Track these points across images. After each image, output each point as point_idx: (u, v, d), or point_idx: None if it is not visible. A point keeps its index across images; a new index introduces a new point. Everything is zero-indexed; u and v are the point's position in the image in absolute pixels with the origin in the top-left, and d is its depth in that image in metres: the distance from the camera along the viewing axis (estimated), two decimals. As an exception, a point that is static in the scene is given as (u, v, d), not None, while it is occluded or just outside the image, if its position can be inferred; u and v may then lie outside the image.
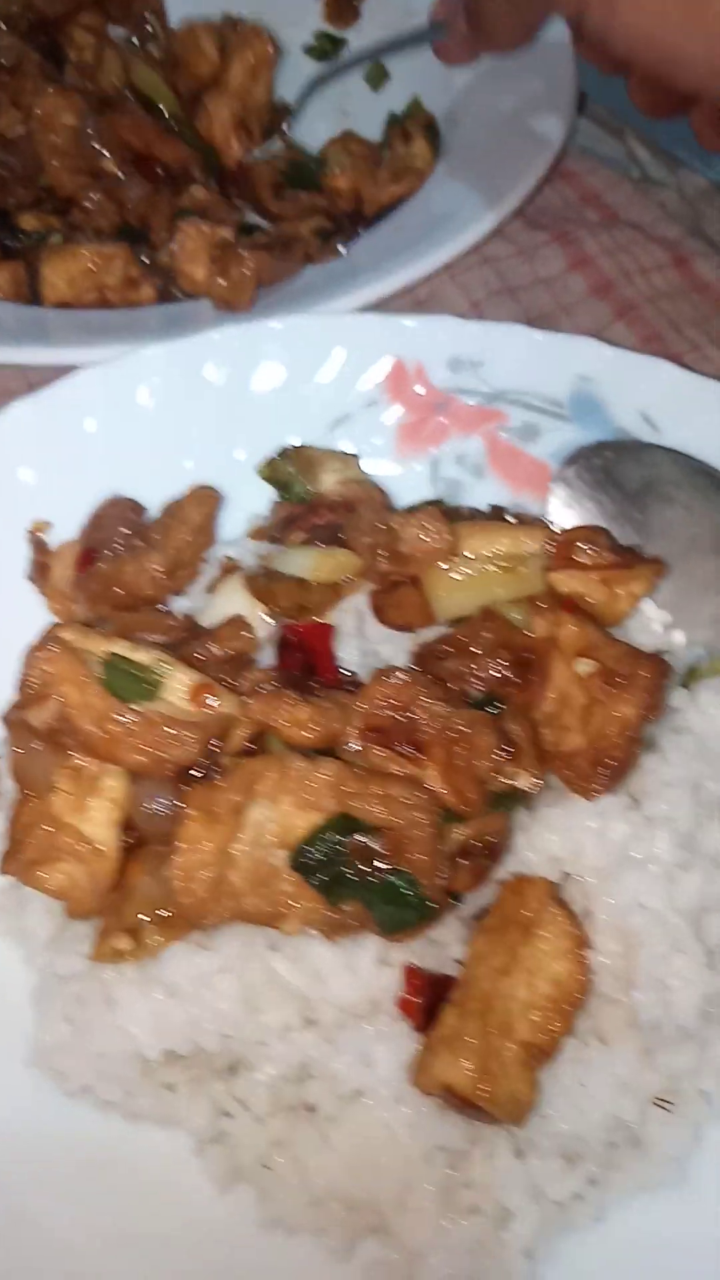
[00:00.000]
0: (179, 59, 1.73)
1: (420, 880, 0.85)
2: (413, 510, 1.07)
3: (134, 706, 0.89)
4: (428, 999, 0.88)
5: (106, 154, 1.48)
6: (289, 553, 1.07)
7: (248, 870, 0.87)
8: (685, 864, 0.91)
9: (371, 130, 1.78)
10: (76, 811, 0.89)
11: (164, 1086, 0.92)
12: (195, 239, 1.43)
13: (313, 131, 1.80)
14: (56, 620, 1.14)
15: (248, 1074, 0.90)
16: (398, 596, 1.05)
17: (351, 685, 1.02)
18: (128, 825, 0.91)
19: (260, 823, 0.87)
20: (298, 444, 1.22)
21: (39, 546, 1.16)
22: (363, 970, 0.89)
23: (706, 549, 1.22)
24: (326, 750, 0.93)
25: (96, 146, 1.47)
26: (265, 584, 1.06)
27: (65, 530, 1.19)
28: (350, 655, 1.05)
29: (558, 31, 1.75)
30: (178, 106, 1.67)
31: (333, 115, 1.85)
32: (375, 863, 0.86)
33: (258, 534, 1.18)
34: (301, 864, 0.87)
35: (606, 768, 0.93)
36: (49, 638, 0.91)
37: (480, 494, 1.31)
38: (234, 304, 1.38)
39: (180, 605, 1.13)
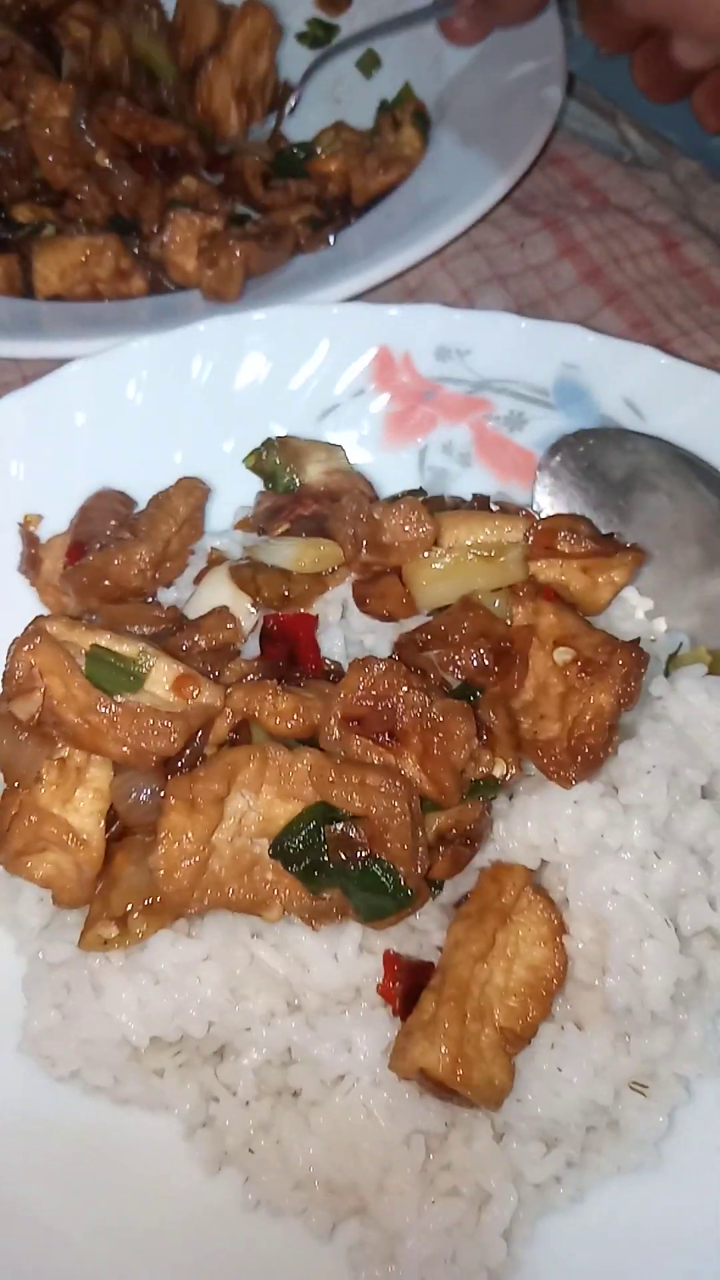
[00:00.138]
0: (179, 29, 1.73)
1: (399, 868, 0.87)
2: (395, 500, 1.08)
3: (117, 698, 0.90)
4: (407, 985, 0.90)
5: (98, 148, 1.49)
6: (273, 544, 1.08)
7: (230, 859, 0.88)
8: (660, 851, 0.93)
9: (363, 118, 1.79)
10: (62, 802, 0.91)
11: (153, 1072, 0.94)
12: (185, 230, 1.44)
13: (305, 120, 1.81)
14: (47, 612, 1.16)
15: (234, 1059, 0.92)
16: (380, 587, 1.06)
17: (335, 675, 1.04)
18: (113, 815, 0.93)
19: (242, 812, 0.89)
20: (283, 435, 1.23)
21: (30, 539, 1.18)
22: (345, 957, 0.91)
23: (689, 537, 1.23)
24: (308, 740, 0.94)
25: (89, 141, 1.47)
26: (250, 575, 1.07)
27: (56, 523, 1.20)
28: (334, 645, 1.06)
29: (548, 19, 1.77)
30: (177, 77, 1.67)
31: (325, 104, 1.85)
32: (355, 851, 0.87)
33: (244, 525, 1.19)
34: (282, 852, 0.88)
35: (583, 756, 0.94)
36: (33, 630, 0.92)
37: (467, 482, 1.32)
38: (222, 294, 1.39)
39: (168, 597, 1.14)
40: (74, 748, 0.91)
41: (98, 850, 0.91)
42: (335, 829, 0.87)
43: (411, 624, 1.06)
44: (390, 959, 0.92)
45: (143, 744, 0.89)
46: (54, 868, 0.90)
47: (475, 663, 0.99)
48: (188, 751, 0.93)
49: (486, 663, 0.99)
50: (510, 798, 0.98)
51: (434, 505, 1.16)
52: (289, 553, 1.06)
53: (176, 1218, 0.91)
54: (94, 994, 0.91)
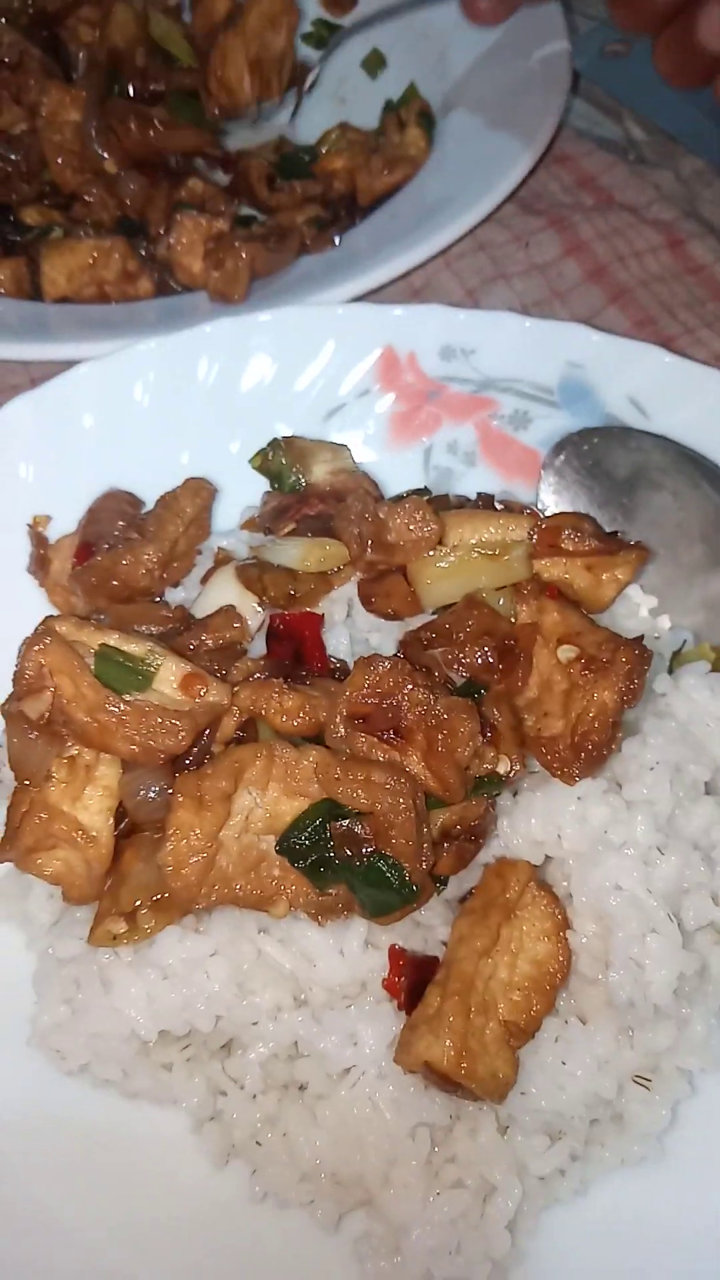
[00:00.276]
0: (194, 4, 1.74)
1: (403, 864, 0.88)
2: (400, 500, 1.09)
3: (126, 697, 0.91)
4: (412, 980, 0.91)
5: (106, 154, 1.50)
6: (279, 544, 1.09)
7: (237, 855, 0.90)
8: (663, 847, 0.93)
9: (369, 118, 1.79)
10: (72, 800, 0.92)
11: (161, 1066, 0.95)
12: (192, 232, 1.45)
13: (310, 121, 1.82)
14: (56, 612, 1.17)
15: (241, 1053, 0.93)
16: (385, 585, 1.07)
17: (340, 673, 1.05)
18: (122, 812, 0.94)
19: (249, 808, 0.90)
20: (289, 435, 1.24)
21: (39, 540, 1.19)
22: (350, 952, 0.92)
23: (693, 535, 1.24)
24: (314, 737, 0.95)
25: (98, 148, 1.49)
26: (256, 574, 1.08)
27: (64, 523, 1.22)
28: (340, 643, 1.07)
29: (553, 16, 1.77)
30: (194, 58, 1.68)
31: (330, 103, 1.86)
32: (360, 847, 0.88)
33: (250, 525, 1.20)
34: (288, 848, 0.89)
35: (587, 753, 0.95)
36: (43, 630, 0.94)
37: (472, 481, 1.33)
38: (228, 295, 1.40)
39: (175, 596, 1.16)
40: (83, 746, 0.93)
41: (107, 847, 0.92)
42: (341, 825, 0.88)
43: (416, 622, 1.07)
44: (395, 954, 0.93)
45: (151, 742, 0.90)
46: (64, 865, 0.91)
47: (479, 660, 1.00)
48: (195, 749, 0.94)
49: (491, 660, 1.00)
50: (514, 794, 0.99)
51: (439, 504, 1.17)
52: (295, 552, 1.07)
53: (184, 1210, 0.92)
54: (103, 989, 0.92)
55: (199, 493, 1.17)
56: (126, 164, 1.53)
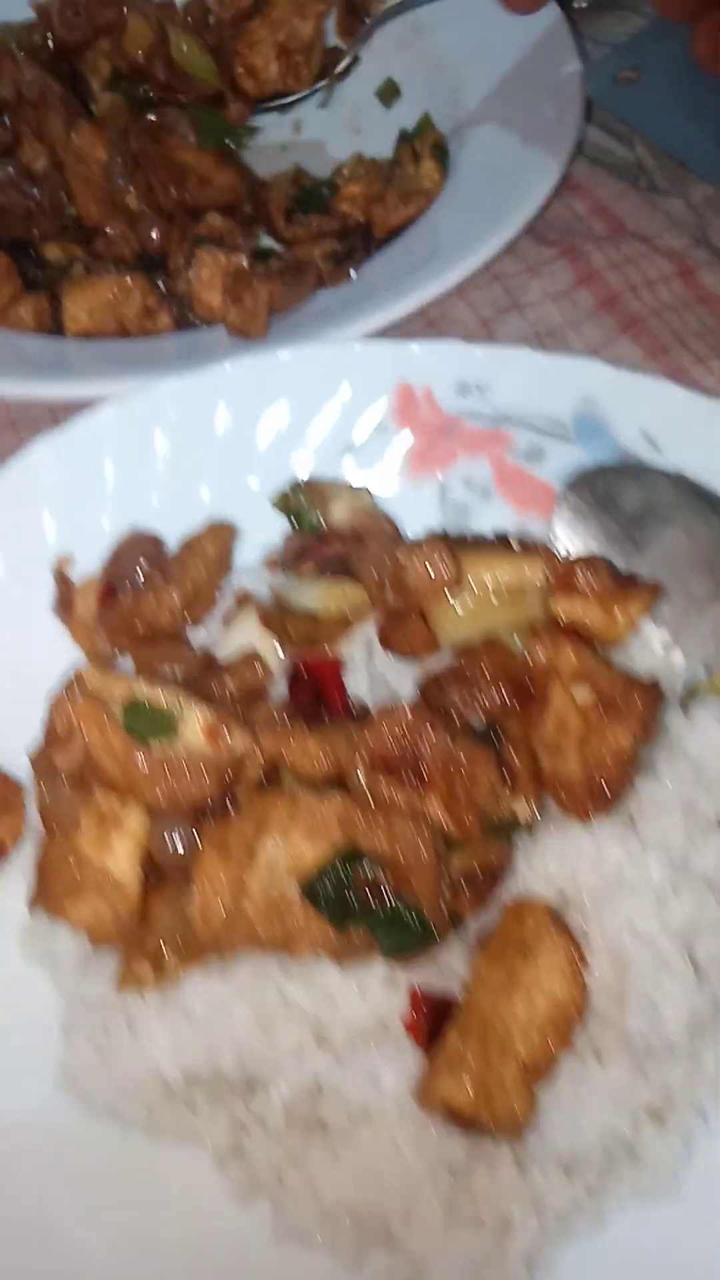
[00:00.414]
0: None
1: (423, 908, 0.90)
2: (418, 543, 1.11)
3: (153, 747, 0.94)
4: (432, 1020, 0.93)
5: (129, 190, 1.53)
6: (300, 586, 1.12)
7: (261, 900, 0.92)
8: (676, 886, 0.95)
9: (383, 146, 1.81)
10: (100, 848, 0.94)
11: (185, 1104, 0.97)
12: (211, 266, 1.48)
13: (325, 154, 1.85)
14: (82, 651, 1.20)
15: (263, 1092, 0.95)
16: (404, 627, 1.09)
17: (360, 714, 1.07)
18: (147, 859, 0.96)
19: (272, 855, 0.92)
20: (309, 476, 1.27)
21: (62, 581, 1.21)
22: (371, 992, 0.94)
23: (704, 568, 1.26)
24: (336, 781, 0.98)
25: (121, 182, 1.52)
26: (278, 617, 1.10)
27: (88, 563, 1.24)
28: (360, 683, 1.10)
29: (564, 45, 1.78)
30: (217, 77, 1.71)
31: (345, 133, 1.88)
32: (381, 892, 0.91)
33: (271, 564, 1.22)
34: (311, 893, 0.92)
35: (602, 794, 0.97)
36: (72, 683, 0.96)
37: (488, 516, 1.35)
38: (247, 332, 1.42)
39: (198, 636, 1.18)
40: (112, 795, 0.95)
41: (134, 894, 0.94)
42: (362, 871, 0.91)
43: (435, 662, 1.09)
44: (415, 994, 0.95)
45: (177, 793, 0.92)
46: (92, 911, 0.94)
47: (497, 701, 1.02)
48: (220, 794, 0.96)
49: (508, 701, 1.02)
50: (532, 833, 1.01)
51: (456, 543, 1.19)
52: (316, 596, 1.10)
53: (209, 1245, 0.94)
54: (129, 1032, 0.95)
55: (221, 535, 1.19)
56: (149, 198, 1.55)
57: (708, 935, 0.95)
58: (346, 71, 1.84)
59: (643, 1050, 0.93)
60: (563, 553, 1.27)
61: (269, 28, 1.75)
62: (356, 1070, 0.93)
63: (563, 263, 1.71)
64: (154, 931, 0.94)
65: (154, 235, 1.54)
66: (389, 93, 1.88)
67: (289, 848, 0.92)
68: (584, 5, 2.10)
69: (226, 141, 1.66)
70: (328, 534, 1.20)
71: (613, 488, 1.29)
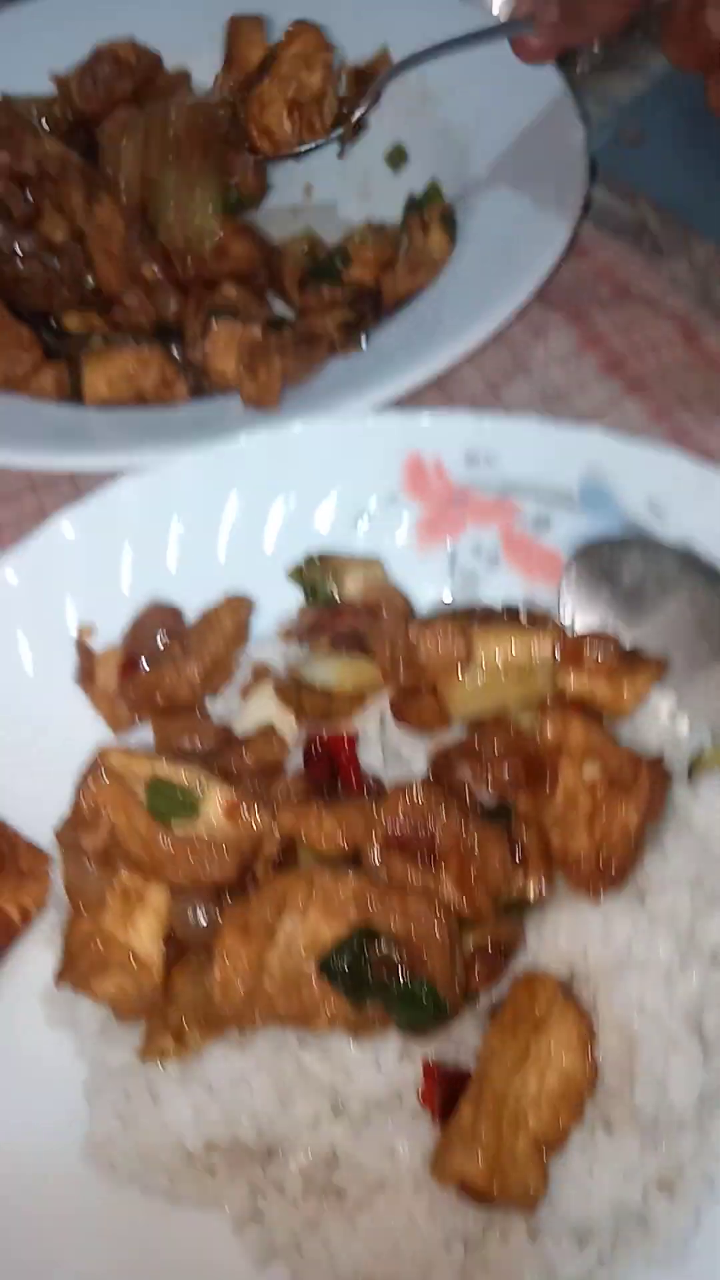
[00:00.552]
0: (229, 57, 1.82)
1: (436, 985, 0.93)
2: (430, 621, 1.15)
3: (175, 828, 0.97)
4: (446, 1092, 0.96)
5: (147, 261, 1.57)
6: (316, 662, 1.15)
7: (280, 977, 0.95)
8: (684, 961, 0.99)
9: (392, 209, 1.86)
10: (124, 925, 0.98)
11: (204, 1170, 1.00)
12: (226, 337, 1.52)
13: (334, 218, 1.90)
14: (103, 720, 1.23)
15: (282, 1160, 0.98)
16: (417, 702, 1.13)
17: (374, 787, 1.11)
18: (169, 935, 1.00)
19: (291, 933, 0.96)
20: (323, 548, 1.31)
21: (84, 651, 1.25)
22: (386, 1064, 0.97)
23: (705, 633, 1.29)
24: (352, 858, 1.01)
25: (140, 254, 1.56)
26: (294, 693, 1.14)
27: (109, 633, 1.28)
28: (373, 756, 1.13)
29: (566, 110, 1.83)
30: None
31: (355, 199, 1.93)
32: (396, 969, 0.94)
33: (286, 635, 1.26)
34: (328, 970, 0.95)
35: (610, 873, 1.00)
36: (98, 766, 1.00)
37: (496, 583, 1.39)
38: (263, 404, 1.46)
39: (216, 706, 1.22)
40: (135, 873, 0.99)
41: (157, 971, 0.98)
42: (378, 949, 0.94)
43: (447, 736, 1.13)
44: (429, 1068, 0.98)
45: (199, 874, 0.96)
46: (117, 987, 0.97)
47: (507, 778, 1.06)
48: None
49: (518, 778, 1.06)
50: (541, 908, 1.04)
51: (466, 615, 1.23)
52: (331, 672, 1.13)
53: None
54: (152, 1102, 0.98)
55: (238, 608, 1.23)
56: (166, 269, 1.60)
57: (715, 1009, 0.98)
58: (361, 122, 1.86)
59: (651, 1123, 0.96)
60: (569, 621, 1.31)
61: (278, 85, 1.79)
62: (372, 1140, 0.96)
63: (568, 326, 1.76)
64: (176, 1005, 0.97)
65: (171, 305, 1.58)
66: (397, 158, 1.92)
67: (307, 926, 0.95)
68: (587, 69, 2.16)
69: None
70: (341, 607, 1.24)
71: (618, 558, 1.33)
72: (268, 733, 1.11)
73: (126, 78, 1.83)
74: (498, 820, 1.04)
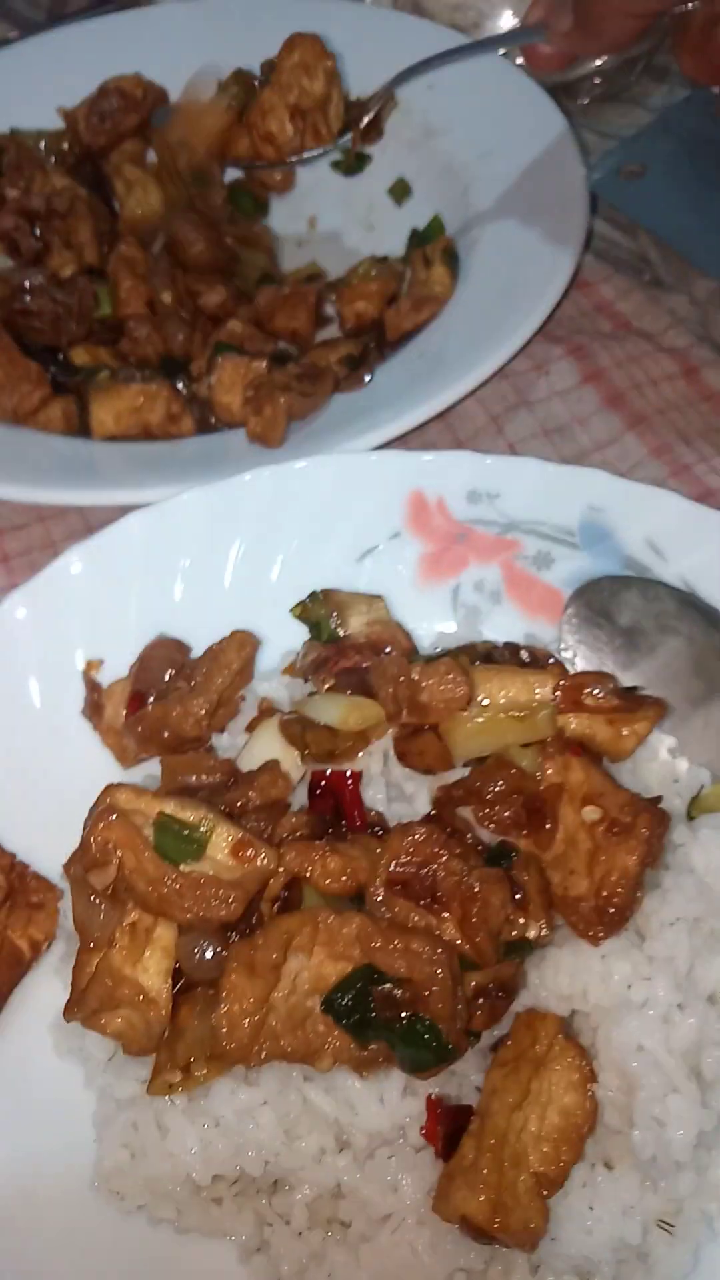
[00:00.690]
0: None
1: (439, 1025, 0.95)
2: (432, 662, 1.17)
3: (182, 867, 0.99)
4: (449, 1128, 0.98)
5: (163, 289, 1.61)
6: (320, 701, 1.17)
7: (285, 1015, 0.97)
8: (683, 1004, 1.00)
9: (395, 241, 1.89)
10: (132, 962, 1.00)
11: (211, 1201, 1.02)
12: (232, 372, 1.54)
13: (336, 248, 1.92)
14: (110, 753, 1.25)
15: (287, 1192, 1.00)
16: (419, 743, 1.15)
17: (377, 825, 1.13)
18: (176, 972, 1.01)
19: (296, 971, 0.98)
20: (327, 585, 1.33)
21: (92, 685, 1.27)
22: (390, 1100, 0.99)
23: (705, 675, 1.31)
24: (356, 896, 1.03)
25: (156, 284, 1.60)
26: (299, 731, 1.15)
27: (116, 667, 1.30)
28: (376, 794, 1.15)
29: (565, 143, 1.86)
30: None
31: (359, 230, 1.96)
32: (399, 1009, 0.96)
33: (291, 671, 1.28)
34: (332, 1008, 0.97)
35: (610, 916, 1.02)
36: (107, 807, 1.02)
37: (498, 619, 1.41)
38: (267, 440, 1.48)
39: (221, 741, 1.24)
40: (144, 912, 1.00)
41: (165, 1007, 1.00)
42: (382, 988, 0.96)
43: (450, 775, 1.15)
44: (432, 1103, 1.00)
45: (205, 913, 0.98)
46: (125, 1023, 0.99)
47: (508, 819, 1.08)
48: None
49: (519, 819, 1.08)
50: (542, 948, 1.06)
51: (467, 652, 1.25)
52: (335, 712, 1.15)
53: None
54: (160, 1134, 1.00)
55: (243, 645, 1.25)
56: (178, 298, 1.63)
57: (713, 1051, 1.00)
58: (372, 128, 1.89)
59: (650, 1162, 0.97)
60: (568, 656, 1.33)
61: (278, 93, 1.82)
62: (376, 1175, 0.98)
63: (570, 360, 1.78)
64: (184, 1041, 0.99)
65: (179, 337, 1.61)
66: (401, 191, 1.95)
67: (312, 965, 0.97)
68: (586, 101, 2.19)
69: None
70: (344, 644, 1.26)
71: (617, 596, 1.35)
72: (272, 769, 1.13)
73: (132, 112, 1.87)
74: (499, 860, 1.06)
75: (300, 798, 1.16)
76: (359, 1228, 0.99)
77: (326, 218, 1.99)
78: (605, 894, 1.03)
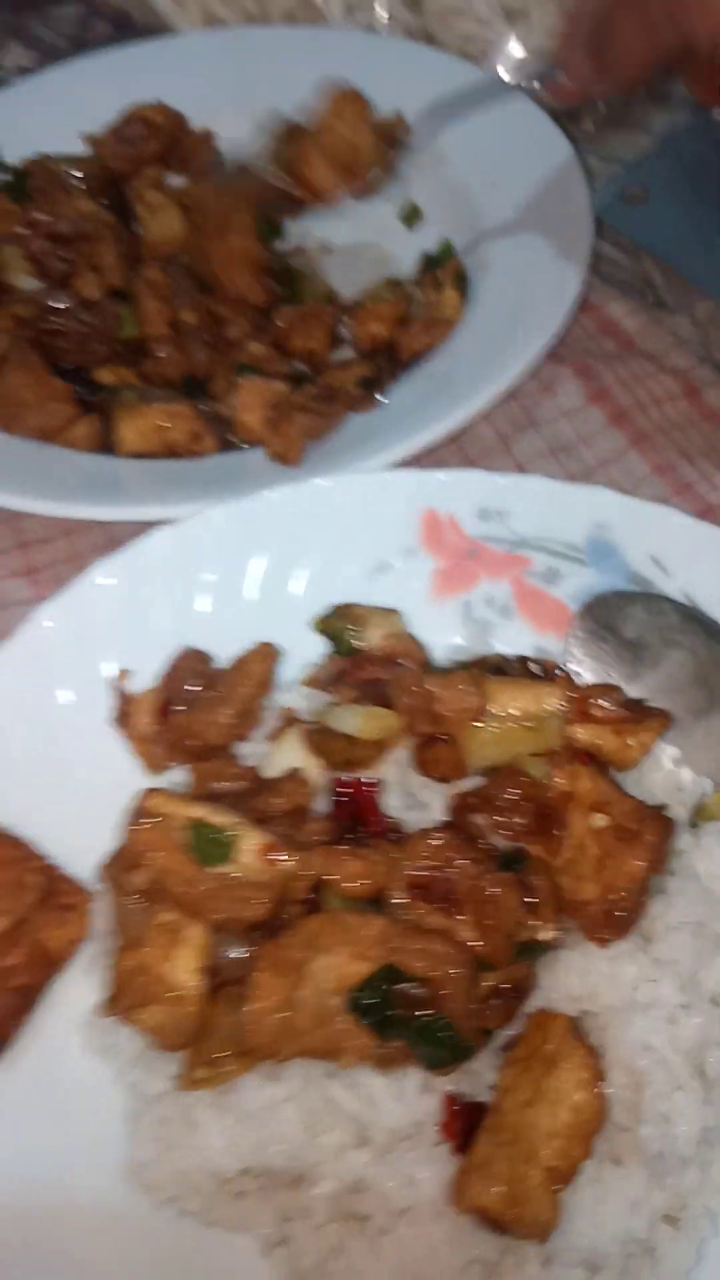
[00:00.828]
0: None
1: (457, 1024, 1.00)
2: (447, 673, 1.22)
3: (214, 870, 1.04)
4: (464, 1123, 1.03)
5: (185, 308, 1.66)
6: (340, 712, 1.22)
7: (310, 1013, 1.02)
8: (687, 1005, 1.05)
9: (406, 265, 1.95)
10: (165, 961, 1.04)
11: (236, 1195, 1.07)
12: (253, 394, 1.59)
13: (350, 270, 1.97)
14: (139, 760, 1.30)
15: (309, 1186, 1.05)
16: (435, 752, 1.20)
17: (395, 831, 1.18)
18: (207, 970, 1.06)
19: (320, 972, 1.02)
20: (346, 599, 1.37)
21: (120, 695, 1.32)
22: (408, 1097, 1.04)
23: (707, 686, 1.36)
24: (376, 898, 1.08)
25: (178, 304, 1.65)
26: (320, 739, 1.21)
27: (143, 678, 1.35)
28: (395, 801, 1.20)
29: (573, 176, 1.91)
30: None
31: (370, 253, 2.01)
32: (418, 1008, 1.00)
33: (310, 683, 1.33)
34: (354, 1007, 1.02)
35: (617, 920, 1.07)
36: (143, 810, 1.06)
37: (508, 633, 1.45)
38: (286, 459, 1.53)
39: (244, 749, 1.28)
40: (177, 912, 1.05)
41: (196, 1004, 1.04)
42: (401, 988, 1.01)
43: (465, 783, 1.19)
44: (449, 1100, 1.04)
45: (235, 914, 1.02)
46: (160, 1019, 1.03)
47: (520, 826, 1.13)
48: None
49: (530, 826, 1.13)
50: (553, 950, 1.10)
51: (480, 665, 1.30)
52: (355, 722, 1.20)
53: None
54: (189, 1129, 1.04)
55: (267, 657, 1.29)
56: (200, 319, 1.68)
57: (716, 1050, 1.05)
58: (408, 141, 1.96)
59: (657, 1158, 1.02)
60: (575, 669, 1.38)
61: (315, 143, 1.88)
62: (395, 1169, 1.02)
63: (576, 381, 1.84)
64: (213, 1038, 1.03)
65: (201, 358, 1.66)
66: (412, 215, 2.01)
67: (335, 964, 1.02)
68: (592, 129, 2.25)
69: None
70: (362, 656, 1.31)
71: (622, 611, 1.40)
72: (295, 777, 1.18)
73: (154, 139, 1.92)
74: (512, 865, 1.10)
75: (321, 806, 1.20)
76: (378, 1221, 1.03)
77: (339, 240, 2.04)
78: (613, 899, 1.07)
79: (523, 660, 1.34)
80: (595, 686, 1.24)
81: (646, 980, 1.06)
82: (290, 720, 1.27)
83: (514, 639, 1.44)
